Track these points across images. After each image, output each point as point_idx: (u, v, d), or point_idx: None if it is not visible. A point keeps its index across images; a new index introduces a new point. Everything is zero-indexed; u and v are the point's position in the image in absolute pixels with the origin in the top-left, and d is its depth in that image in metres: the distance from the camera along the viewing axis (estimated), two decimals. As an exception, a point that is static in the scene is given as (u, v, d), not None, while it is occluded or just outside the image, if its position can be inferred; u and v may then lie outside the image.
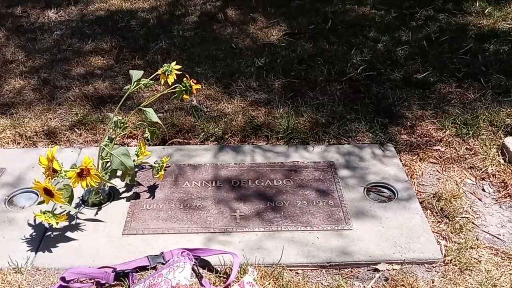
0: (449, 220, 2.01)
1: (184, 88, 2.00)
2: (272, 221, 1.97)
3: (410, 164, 2.32)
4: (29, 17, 3.74)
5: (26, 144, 2.45)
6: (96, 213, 2.01)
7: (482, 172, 2.28)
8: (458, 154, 2.38)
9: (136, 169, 2.19)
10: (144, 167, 2.25)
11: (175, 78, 1.98)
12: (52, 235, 1.90)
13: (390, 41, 3.35)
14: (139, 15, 3.73)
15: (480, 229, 2.00)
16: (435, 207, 2.08)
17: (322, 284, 1.76)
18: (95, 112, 2.64)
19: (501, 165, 2.30)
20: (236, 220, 1.98)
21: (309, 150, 2.39)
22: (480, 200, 2.15)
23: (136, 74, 1.95)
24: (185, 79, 1.99)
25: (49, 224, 1.86)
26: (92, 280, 1.72)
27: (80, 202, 2.06)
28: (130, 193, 2.12)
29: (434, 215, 2.05)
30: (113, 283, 1.72)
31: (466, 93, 2.82)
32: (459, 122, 2.55)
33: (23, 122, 2.56)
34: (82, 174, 1.77)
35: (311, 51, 3.24)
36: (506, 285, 1.73)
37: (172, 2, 3.93)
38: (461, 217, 2.03)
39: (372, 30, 3.50)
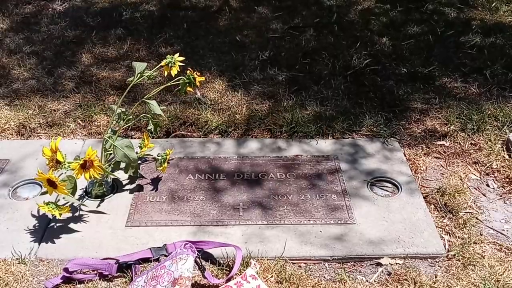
0: (453, 215, 2.01)
1: (187, 81, 1.99)
2: (275, 214, 1.97)
3: (414, 158, 2.31)
4: (34, 8, 3.74)
5: (30, 136, 2.45)
6: (99, 205, 2.01)
7: (487, 167, 2.27)
8: (462, 149, 2.37)
9: (140, 161, 2.19)
10: (147, 159, 2.25)
11: (179, 70, 1.98)
12: (55, 226, 1.91)
13: (395, 35, 3.33)
14: (143, 7, 3.72)
15: (484, 224, 1.99)
16: (439, 202, 2.07)
17: (324, 277, 1.76)
18: (98, 104, 2.64)
19: (506, 161, 2.28)
20: (239, 213, 1.97)
21: (313, 144, 2.38)
22: (484, 195, 2.14)
23: (139, 66, 1.95)
24: (188, 71, 1.99)
25: (52, 215, 1.87)
26: (95, 272, 1.73)
27: (84, 193, 2.06)
28: (134, 185, 2.12)
29: (437, 210, 2.04)
30: (116, 275, 1.72)
31: (471, 88, 2.80)
32: (463, 117, 2.54)
33: (27, 113, 2.56)
34: (85, 166, 1.77)
35: (315, 44, 3.23)
36: (510, 281, 1.72)
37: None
38: (465, 212, 2.03)
39: (377, 24, 3.48)
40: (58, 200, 1.85)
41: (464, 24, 3.46)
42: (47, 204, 1.81)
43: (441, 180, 2.20)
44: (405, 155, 2.32)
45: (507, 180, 2.20)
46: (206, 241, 1.82)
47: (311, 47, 3.19)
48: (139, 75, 1.94)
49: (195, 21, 3.53)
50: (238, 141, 2.40)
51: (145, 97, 2.01)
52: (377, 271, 1.79)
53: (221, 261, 1.78)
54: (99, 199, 2.04)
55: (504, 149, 2.35)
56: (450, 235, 1.92)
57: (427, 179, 2.21)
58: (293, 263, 1.79)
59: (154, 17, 3.59)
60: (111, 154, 2.00)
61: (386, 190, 2.12)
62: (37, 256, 1.80)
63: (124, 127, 2.12)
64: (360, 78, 2.88)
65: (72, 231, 1.89)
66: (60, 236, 1.87)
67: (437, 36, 3.30)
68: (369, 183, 2.14)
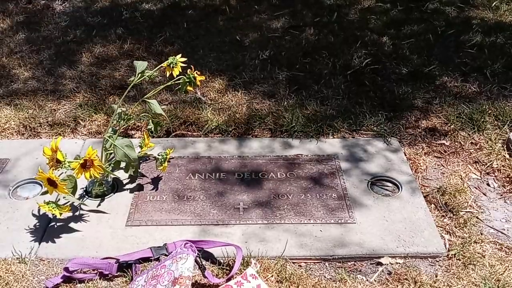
0: (453, 215, 2.01)
1: (188, 80, 1.99)
2: (275, 213, 1.97)
3: (415, 158, 2.31)
4: (34, 8, 3.74)
5: (30, 135, 2.45)
6: (100, 204, 2.01)
7: (487, 166, 2.27)
8: (463, 148, 2.37)
9: (140, 161, 2.19)
10: (148, 158, 2.25)
11: (180, 71, 1.98)
12: (55, 226, 1.91)
13: (396, 34, 3.33)
14: (144, 7, 3.72)
15: (484, 223, 1.99)
16: (439, 201, 2.07)
17: (325, 277, 1.76)
18: (99, 104, 2.64)
19: (506, 160, 2.28)
20: (239, 212, 1.97)
21: (313, 143, 2.38)
22: (484, 194, 2.14)
23: (140, 65, 1.95)
24: (189, 70, 1.99)
25: (52, 214, 1.87)
26: (95, 271, 1.73)
27: (84, 193, 2.06)
28: (134, 184, 2.12)
29: (438, 209, 2.04)
30: (116, 274, 1.72)
31: (472, 87, 2.80)
32: (464, 116, 2.54)
33: (28, 113, 2.56)
34: (85, 165, 1.77)
35: (316, 44, 3.23)
36: (510, 280, 1.72)
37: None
38: (465, 212, 2.03)
39: (378, 23, 3.48)
40: (59, 199, 1.85)
41: (465, 23, 3.45)
42: (48, 203, 1.81)
43: (441, 180, 2.20)
44: (405, 155, 2.32)
45: (508, 179, 2.20)
46: (206, 240, 1.82)
47: (312, 47, 3.19)
48: (140, 74, 1.93)
49: (195, 21, 3.53)
50: (239, 141, 2.40)
51: (145, 96, 2.01)
52: (378, 270, 1.79)
53: (222, 261, 1.78)
54: (100, 199, 2.04)
55: (505, 148, 2.35)
56: (450, 235, 1.92)
57: (427, 179, 2.21)
58: (293, 263, 1.79)
59: (154, 16, 3.59)
60: (111, 153, 2.00)
61: (387, 190, 2.12)
62: (37, 256, 1.80)
63: (125, 126, 2.12)
64: (361, 77, 2.88)
65: (72, 230, 1.89)
66: (60, 235, 1.87)
67: (438, 35, 3.30)
68: (370, 183, 2.14)
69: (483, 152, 2.34)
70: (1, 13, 3.62)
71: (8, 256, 1.79)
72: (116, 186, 2.11)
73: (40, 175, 1.74)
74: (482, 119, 2.50)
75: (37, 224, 1.92)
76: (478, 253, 1.83)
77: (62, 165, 1.76)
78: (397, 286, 1.72)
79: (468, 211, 2.03)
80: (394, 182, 2.15)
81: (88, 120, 2.53)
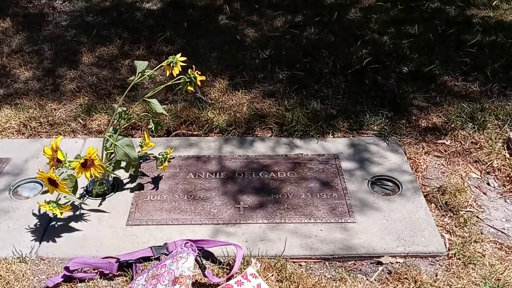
0: (454, 214, 2.01)
1: (188, 80, 1.99)
2: (275, 213, 1.97)
3: (415, 157, 2.31)
4: (34, 7, 3.74)
5: (30, 135, 2.46)
6: (100, 204, 2.02)
7: (487, 166, 2.27)
8: (463, 147, 2.37)
9: (141, 160, 2.19)
10: (148, 158, 2.25)
11: (180, 70, 1.98)
12: (56, 225, 1.91)
13: (396, 33, 3.33)
14: (144, 6, 3.72)
15: (484, 223, 1.99)
16: (440, 200, 2.07)
17: (325, 276, 1.76)
18: (99, 103, 2.64)
19: (507, 159, 2.28)
20: (240, 212, 1.98)
21: (314, 142, 2.38)
22: (485, 194, 2.14)
23: (140, 64, 1.95)
24: (190, 70, 1.99)
25: (53, 214, 1.87)
26: (96, 270, 1.73)
27: (84, 192, 2.07)
28: (134, 184, 2.12)
29: (438, 209, 2.04)
30: (117, 273, 1.72)
31: (472, 86, 2.80)
32: (464, 116, 2.54)
33: (28, 112, 2.56)
34: (86, 165, 1.77)
35: (316, 43, 3.23)
36: (510, 279, 1.72)
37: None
38: (466, 211, 2.03)
39: (378, 22, 3.48)
40: (59, 199, 1.85)
41: (465, 22, 3.45)
42: (48, 203, 1.82)
43: (441, 179, 2.20)
44: (405, 154, 2.32)
45: (508, 178, 2.20)
46: (206, 240, 1.82)
47: (312, 46, 3.19)
48: (140, 74, 1.93)
49: (195, 20, 3.53)
50: (239, 140, 2.40)
51: (145, 96, 2.01)
52: (378, 269, 1.79)
53: (222, 260, 1.79)
54: (100, 198, 2.04)
55: (505, 147, 2.35)
56: (450, 234, 1.92)
57: (427, 178, 2.21)
58: (293, 262, 1.79)
59: (155, 16, 3.59)
60: (112, 153, 2.01)
61: (387, 189, 2.12)
62: (38, 255, 1.80)
63: (125, 126, 2.13)
64: (361, 76, 2.88)
65: (73, 230, 1.90)
66: (61, 235, 1.87)
67: (438, 35, 3.30)
68: (370, 182, 2.14)
69: (483, 151, 2.34)
70: (1, 12, 3.62)
71: (8, 255, 1.79)
72: (117, 185, 2.11)
73: (41, 175, 1.75)
74: (483, 118, 2.50)
75: (38, 223, 1.92)
76: (478, 253, 1.84)
77: (62, 164, 1.76)
78: (397, 285, 1.72)
79: (468, 211, 2.03)
80: (394, 182, 2.15)
81: (89, 119, 2.53)
